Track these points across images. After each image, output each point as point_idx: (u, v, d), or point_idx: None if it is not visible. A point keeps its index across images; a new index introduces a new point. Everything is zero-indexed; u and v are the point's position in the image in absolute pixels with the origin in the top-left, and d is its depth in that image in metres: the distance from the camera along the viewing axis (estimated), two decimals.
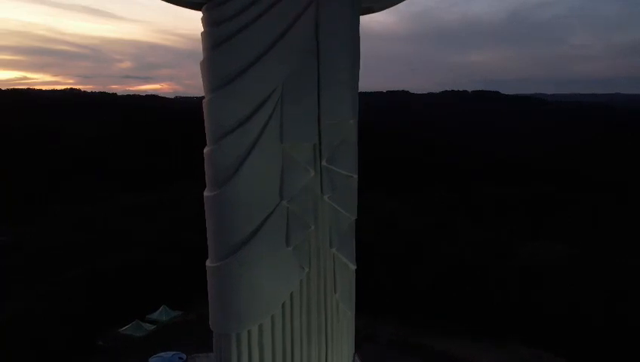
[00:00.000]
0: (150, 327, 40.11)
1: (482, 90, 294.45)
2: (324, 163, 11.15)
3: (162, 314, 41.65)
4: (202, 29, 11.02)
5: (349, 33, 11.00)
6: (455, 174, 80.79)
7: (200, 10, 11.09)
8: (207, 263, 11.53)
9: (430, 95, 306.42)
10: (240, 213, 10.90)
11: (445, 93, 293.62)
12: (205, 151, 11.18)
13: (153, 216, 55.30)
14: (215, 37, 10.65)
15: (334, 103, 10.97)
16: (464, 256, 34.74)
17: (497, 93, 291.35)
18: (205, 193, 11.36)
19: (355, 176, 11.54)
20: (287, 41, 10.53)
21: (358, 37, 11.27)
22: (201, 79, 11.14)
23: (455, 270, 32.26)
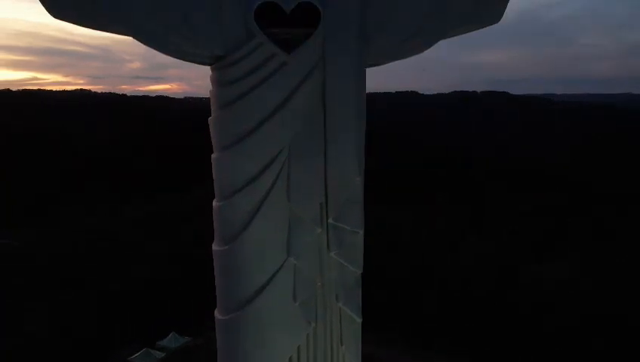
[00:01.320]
0: (160, 355, 40.28)
1: (491, 91, 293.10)
2: (330, 220, 11.29)
3: (172, 340, 41.86)
4: (211, 87, 11.23)
5: (355, 92, 11.11)
6: (463, 182, 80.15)
7: (209, 65, 11.28)
8: (216, 314, 11.73)
9: (439, 95, 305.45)
10: (248, 269, 11.12)
11: (454, 93, 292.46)
12: (214, 205, 11.39)
13: (164, 226, 55.51)
14: (224, 97, 10.83)
15: (341, 162, 11.13)
16: (470, 278, 34.57)
17: (506, 93, 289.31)
18: (214, 247, 11.57)
19: (361, 232, 11.67)
20: (295, 102, 10.72)
21: (365, 95, 11.36)
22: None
23: (461, 293, 32.12)
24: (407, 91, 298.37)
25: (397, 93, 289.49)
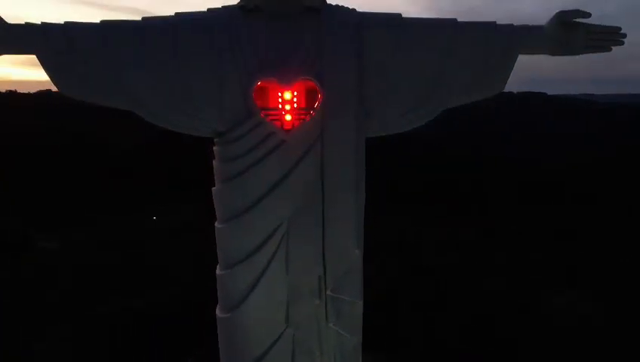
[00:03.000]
0: None
1: (528, 92, 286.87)
2: (328, 292, 11.46)
3: None
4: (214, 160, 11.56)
5: (354, 167, 11.28)
6: (494, 192, 78.27)
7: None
8: None
9: None
10: (248, 338, 11.46)
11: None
12: (217, 273, 11.79)
13: (196, 239, 55.85)
14: (225, 172, 11.19)
15: (339, 236, 11.30)
16: (488, 308, 33.74)
17: (544, 94, 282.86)
18: (217, 312, 11.95)
19: (360, 302, 11.83)
20: (293, 179, 10.96)
21: (364, 169, 11.51)
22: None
23: (477, 326, 31.33)
24: None
25: None
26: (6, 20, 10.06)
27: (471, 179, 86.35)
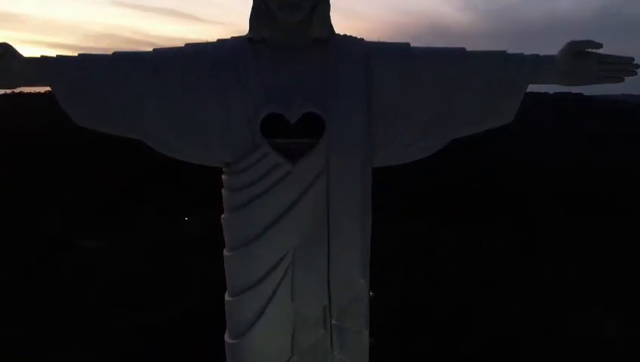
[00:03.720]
0: None
1: (564, 92, 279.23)
2: (334, 321, 11.54)
3: None
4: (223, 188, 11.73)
5: (359, 198, 11.31)
6: (528, 203, 75.45)
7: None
8: None
9: None
10: None
11: (525, 95, 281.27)
12: (226, 299, 11.96)
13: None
14: (232, 202, 11.37)
15: (344, 266, 11.34)
16: (513, 330, 32.58)
17: (580, 94, 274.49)
18: (225, 337, 12.13)
19: (366, 331, 11.88)
20: (299, 209, 11.03)
21: (370, 198, 11.54)
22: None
23: (499, 345, 30.25)
24: None
25: None
26: (22, 54, 10.42)
27: (493, 185, 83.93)
